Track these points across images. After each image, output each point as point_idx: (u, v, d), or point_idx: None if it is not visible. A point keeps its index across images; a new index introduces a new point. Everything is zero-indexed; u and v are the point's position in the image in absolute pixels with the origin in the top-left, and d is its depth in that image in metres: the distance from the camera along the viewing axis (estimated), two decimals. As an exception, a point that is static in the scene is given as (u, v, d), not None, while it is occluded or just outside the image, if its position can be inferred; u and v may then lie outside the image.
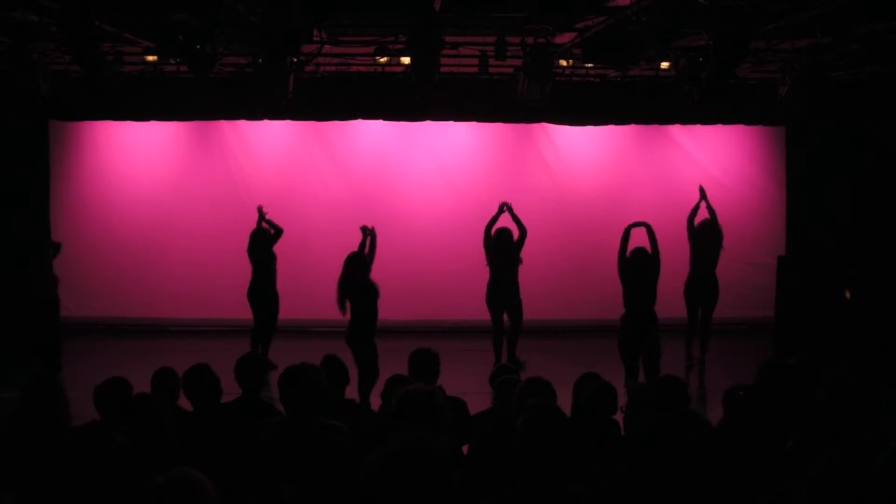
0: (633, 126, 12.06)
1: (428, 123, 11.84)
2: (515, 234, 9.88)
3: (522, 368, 9.24)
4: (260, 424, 4.22)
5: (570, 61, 9.36)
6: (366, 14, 7.59)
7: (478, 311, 10.69)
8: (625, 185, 12.71)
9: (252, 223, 10.48)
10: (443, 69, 8.02)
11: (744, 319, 12.07)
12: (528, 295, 10.36)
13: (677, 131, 12.62)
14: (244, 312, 10.61)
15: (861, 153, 11.15)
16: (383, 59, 8.99)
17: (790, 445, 3.73)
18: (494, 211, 10.04)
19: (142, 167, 12.51)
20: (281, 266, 10.51)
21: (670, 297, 9.70)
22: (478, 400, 8.01)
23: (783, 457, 3.69)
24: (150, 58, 9.03)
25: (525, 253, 10.32)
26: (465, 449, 4.89)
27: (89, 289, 12.27)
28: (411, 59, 7.78)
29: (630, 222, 8.71)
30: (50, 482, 3.60)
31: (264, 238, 10.24)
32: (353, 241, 11.57)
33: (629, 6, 6.74)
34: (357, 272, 8.53)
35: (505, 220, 10.02)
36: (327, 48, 8.49)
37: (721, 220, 10.62)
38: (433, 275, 12.34)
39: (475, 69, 9.79)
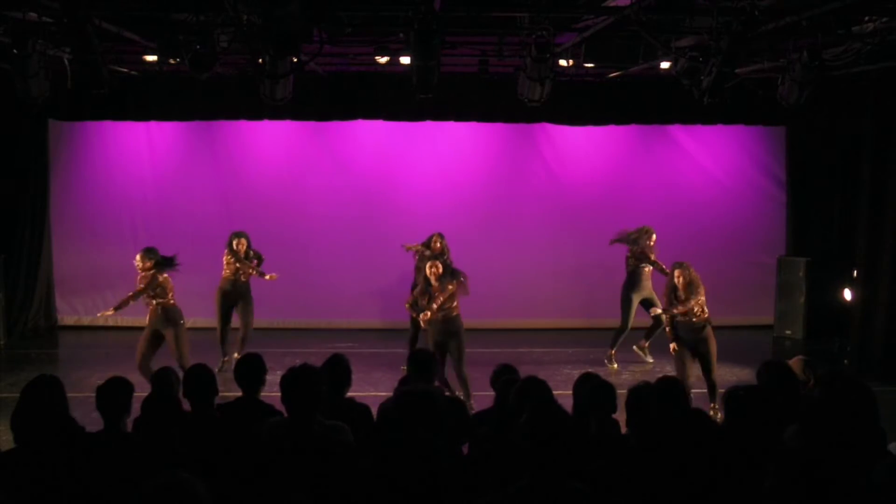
0: (633, 126, 12.05)
1: (428, 123, 11.83)
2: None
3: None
4: (261, 424, 4.22)
5: (570, 61, 9.35)
6: (365, 12, 7.58)
7: (478, 311, 10.67)
8: (625, 185, 12.71)
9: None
10: (443, 69, 8.00)
11: (744, 319, 12.08)
12: (527, 296, 10.36)
13: (678, 131, 12.62)
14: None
15: (861, 153, 11.13)
16: (383, 59, 8.98)
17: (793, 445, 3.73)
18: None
19: (142, 167, 12.51)
20: (281, 266, 10.51)
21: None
22: (478, 400, 8.04)
23: (782, 457, 3.68)
24: (150, 58, 9.02)
25: (525, 253, 10.33)
26: (465, 449, 4.89)
27: (89, 288, 12.29)
28: (411, 60, 7.77)
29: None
30: (50, 482, 3.60)
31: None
32: (353, 242, 11.63)
33: (629, 6, 6.74)
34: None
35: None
36: (327, 48, 8.48)
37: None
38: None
39: (475, 69, 9.77)
